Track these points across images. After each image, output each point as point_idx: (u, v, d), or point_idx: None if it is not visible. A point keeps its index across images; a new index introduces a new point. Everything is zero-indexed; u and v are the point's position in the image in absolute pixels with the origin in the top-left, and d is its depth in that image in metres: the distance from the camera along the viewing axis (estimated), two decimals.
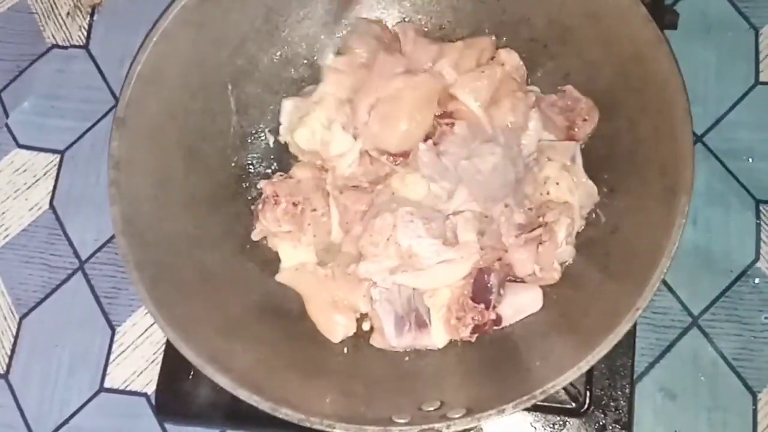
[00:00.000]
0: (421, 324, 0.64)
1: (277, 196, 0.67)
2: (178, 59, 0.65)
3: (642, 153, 0.61)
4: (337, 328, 0.65)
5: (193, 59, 0.66)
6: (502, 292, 0.63)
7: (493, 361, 0.62)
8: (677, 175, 0.56)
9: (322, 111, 0.69)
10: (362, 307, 0.66)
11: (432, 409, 0.56)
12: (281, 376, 0.61)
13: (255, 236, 0.68)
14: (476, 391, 0.59)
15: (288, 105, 0.71)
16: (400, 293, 0.64)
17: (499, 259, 0.64)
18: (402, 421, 0.54)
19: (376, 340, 0.65)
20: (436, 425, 0.53)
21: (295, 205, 0.67)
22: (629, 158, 0.63)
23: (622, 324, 0.53)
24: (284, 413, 0.54)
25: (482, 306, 0.62)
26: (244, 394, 0.55)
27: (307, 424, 0.54)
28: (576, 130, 0.66)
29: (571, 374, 0.53)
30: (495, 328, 0.63)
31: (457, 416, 0.53)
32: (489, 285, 0.63)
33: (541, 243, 0.63)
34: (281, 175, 0.70)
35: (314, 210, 0.67)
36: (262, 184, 0.68)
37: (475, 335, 0.63)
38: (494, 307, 0.63)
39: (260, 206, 0.67)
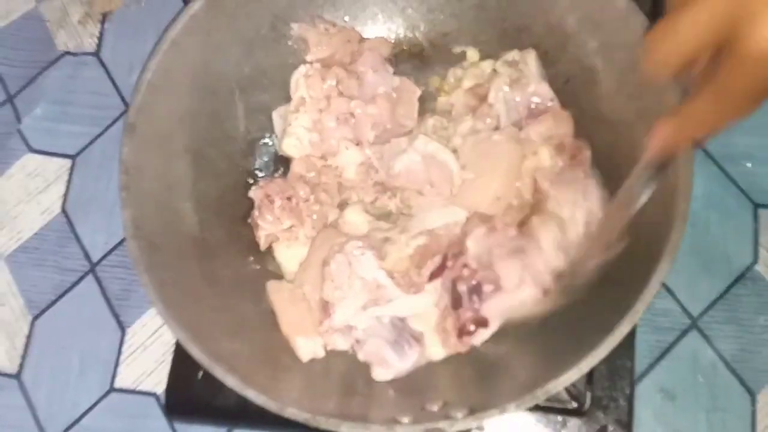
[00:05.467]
0: (418, 337, 0.64)
1: (269, 196, 0.68)
2: (187, 66, 0.67)
3: (641, 157, 0.62)
4: (301, 350, 0.64)
5: (201, 66, 0.68)
6: (474, 297, 0.62)
7: (495, 362, 0.63)
8: (676, 178, 0.57)
9: (303, 115, 0.70)
10: (340, 345, 0.65)
11: (435, 408, 0.57)
12: (287, 377, 0.62)
13: (262, 247, 0.69)
14: (479, 392, 0.60)
15: (276, 116, 0.73)
16: (381, 322, 0.64)
17: (465, 266, 0.62)
18: (406, 420, 0.55)
19: (381, 374, 0.63)
20: (440, 424, 0.54)
21: (289, 199, 0.68)
22: (628, 163, 0.63)
23: (622, 325, 0.54)
24: (291, 413, 0.55)
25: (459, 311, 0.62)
26: (251, 394, 0.56)
27: (314, 424, 0.55)
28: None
29: (572, 375, 0.53)
30: (484, 330, 0.63)
31: (460, 416, 0.54)
32: (460, 293, 0.62)
33: (523, 252, 0.60)
34: (266, 179, 0.71)
35: (306, 200, 0.68)
36: (251, 193, 0.69)
37: (468, 344, 0.63)
38: (475, 311, 0.62)
39: (257, 213, 0.68)
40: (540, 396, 0.53)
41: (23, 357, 0.78)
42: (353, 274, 0.62)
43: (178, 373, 0.71)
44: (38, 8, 0.90)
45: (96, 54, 0.88)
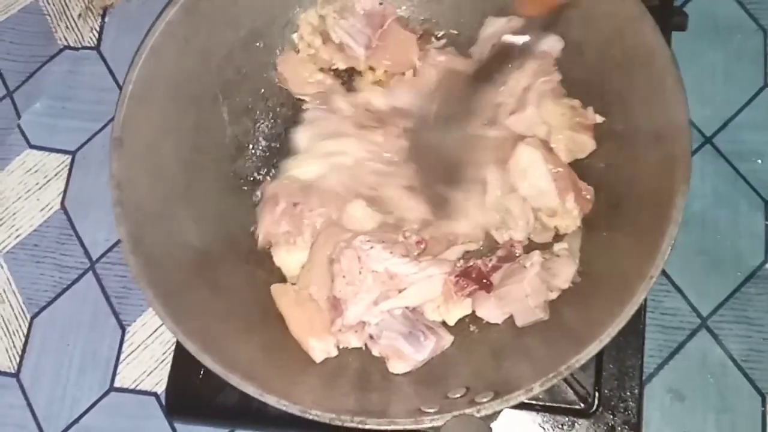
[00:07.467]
0: (431, 327, 0.63)
1: (276, 195, 0.67)
2: (168, 75, 0.65)
3: (635, 125, 0.62)
4: (314, 352, 0.63)
5: (182, 74, 0.67)
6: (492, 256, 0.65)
7: (512, 342, 0.62)
8: (674, 142, 0.57)
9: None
10: (353, 342, 0.64)
11: (458, 396, 0.56)
12: (303, 379, 0.61)
13: (259, 245, 0.68)
14: (499, 374, 0.59)
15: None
16: (393, 315, 0.63)
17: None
18: (431, 410, 0.54)
19: (397, 367, 0.62)
20: (467, 411, 0.53)
21: (294, 205, 0.67)
22: (623, 131, 0.63)
23: (637, 294, 0.53)
24: (315, 415, 0.54)
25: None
26: (271, 400, 0.55)
27: (338, 423, 0.54)
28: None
29: (593, 348, 0.53)
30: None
31: (485, 400, 0.53)
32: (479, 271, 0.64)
33: None
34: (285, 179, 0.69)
35: (311, 210, 0.67)
36: (262, 185, 0.68)
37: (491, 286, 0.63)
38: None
39: (260, 208, 0.67)
40: (564, 372, 0.52)
41: (22, 356, 0.77)
42: (364, 268, 0.61)
43: (178, 373, 0.70)
44: (38, 2, 0.89)
45: (96, 48, 0.87)
